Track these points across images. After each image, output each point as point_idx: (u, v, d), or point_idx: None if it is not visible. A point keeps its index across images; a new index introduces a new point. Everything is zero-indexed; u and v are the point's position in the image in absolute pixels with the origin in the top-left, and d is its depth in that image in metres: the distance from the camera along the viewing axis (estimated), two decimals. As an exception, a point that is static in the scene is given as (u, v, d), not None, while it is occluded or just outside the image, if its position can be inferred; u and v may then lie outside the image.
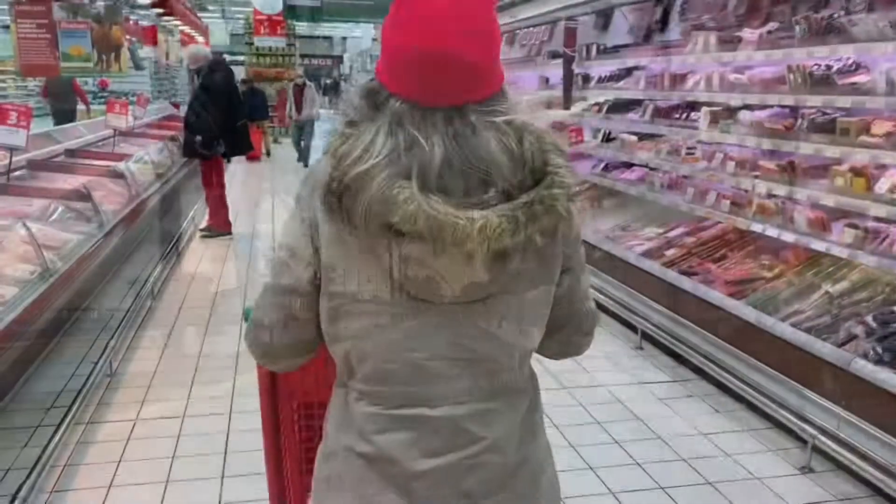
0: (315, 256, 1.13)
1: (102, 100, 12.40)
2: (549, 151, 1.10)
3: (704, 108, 4.51)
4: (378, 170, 1.03)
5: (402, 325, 1.11)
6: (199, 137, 6.67)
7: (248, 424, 3.33)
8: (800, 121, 3.76)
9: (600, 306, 4.48)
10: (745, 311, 3.65)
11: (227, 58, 10.81)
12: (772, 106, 4.17)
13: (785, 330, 3.41)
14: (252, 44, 19.15)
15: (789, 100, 3.78)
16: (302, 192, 1.17)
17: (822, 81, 3.61)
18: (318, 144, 16.12)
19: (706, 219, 4.61)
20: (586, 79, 6.30)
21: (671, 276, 4.28)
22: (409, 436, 1.14)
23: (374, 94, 1.11)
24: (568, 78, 6.36)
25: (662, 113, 5.15)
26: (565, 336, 1.27)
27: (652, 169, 5.17)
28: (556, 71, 7.12)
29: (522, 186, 1.06)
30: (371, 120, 1.09)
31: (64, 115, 11.31)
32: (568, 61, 6.31)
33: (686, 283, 4.13)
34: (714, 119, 4.43)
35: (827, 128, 3.57)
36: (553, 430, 3.30)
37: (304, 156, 13.45)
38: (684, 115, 4.88)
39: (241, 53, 24.01)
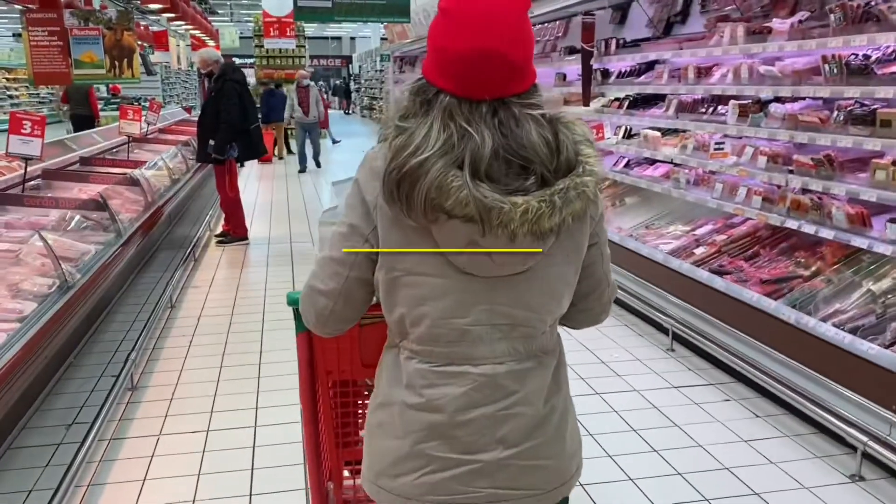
0: (374, 234, 1.30)
1: (115, 106, 12.38)
2: (580, 142, 1.25)
3: (732, 102, 4.39)
4: (433, 160, 1.18)
5: (451, 296, 1.28)
6: (211, 142, 6.59)
7: (273, 438, 3.26)
8: (836, 113, 3.63)
9: (626, 306, 4.37)
10: (783, 311, 3.52)
11: (237, 61, 10.71)
12: (803, 98, 4.04)
13: (827, 331, 3.29)
14: (261, 46, 19.11)
15: (824, 91, 3.65)
16: (360, 176, 1.32)
17: (859, 71, 3.48)
18: (332, 146, 15.96)
19: (735, 215, 4.48)
20: (605, 74, 6.18)
21: (702, 275, 4.16)
22: (453, 390, 1.31)
23: (423, 91, 1.27)
24: (586, 74, 6.23)
25: (687, 107, 5.02)
26: (588, 304, 1.44)
27: (676, 165, 5.05)
28: (573, 67, 7.00)
29: (557, 173, 1.22)
30: (423, 115, 1.24)
31: (83, 121, 11.30)
32: (586, 57, 6.19)
33: (718, 283, 4.01)
34: (743, 112, 4.31)
35: (866, 119, 3.43)
36: (589, 440, 3.19)
37: (304, 162, 12.52)
38: (710, 110, 4.75)
39: (251, 56, 24.05)
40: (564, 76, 7.11)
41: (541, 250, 1.26)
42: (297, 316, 1.60)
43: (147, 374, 3.99)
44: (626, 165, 5.87)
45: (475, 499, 1.33)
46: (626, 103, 5.83)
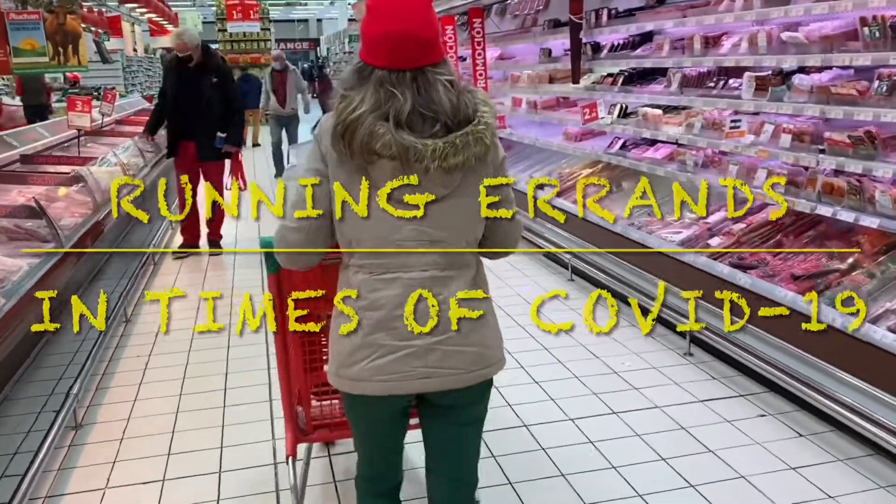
0: (326, 171, 1.68)
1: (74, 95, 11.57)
2: (479, 103, 1.66)
3: (748, 74, 3.92)
4: (366, 115, 1.59)
5: (384, 220, 1.63)
6: (221, 134, 5.90)
7: (241, 486, 2.76)
8: (877, 83, 3.18)
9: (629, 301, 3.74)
10: (822, 311, 3.08)
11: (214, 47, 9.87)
12: (830, 67, 3.59)
13: (876, 334, 2.86)
14: (225, 30, 18.39)
15: (864, 59, 3.19)
16: (317, 133, 1.71)
17: (906, 35, 3.03)
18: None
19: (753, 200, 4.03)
20: (596, 48, 5.68)
21: (721, 270, 3.71)
22: (390, 291, 1.66)
23: (360, 70, 1.66)
24: (575, 48, 5.74)
25: (692, 82, 4.55)
26: (500, 236, 1.78)
27: (681, 146, 4.58)
28: (558, 41, 6.51)
29: (460, 125, 1.61)
30: (360, 86, 1.64)
31: (36, 113, 10.55)
32: (574, 29, 5.69)
33: (742, 279, 3.56)
34: (761, 85, 3.84)
35: (916, 90, 2.99)
36: (611, 473, 2.74)
37: (281, 163, 10.05)
38: (721, 84, 4.28)
39: (215, 41, 23.21)
40: (549, 52, 6.62)
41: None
42: (270, 258, 2.06)
43: (95, 406, 3.47)
44: (623, 147, 5.39)
45: (411, 375, 1.66)
46: (621, 79, 5.35)
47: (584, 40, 5.71)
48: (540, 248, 5.81)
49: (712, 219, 4.32)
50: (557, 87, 6.39)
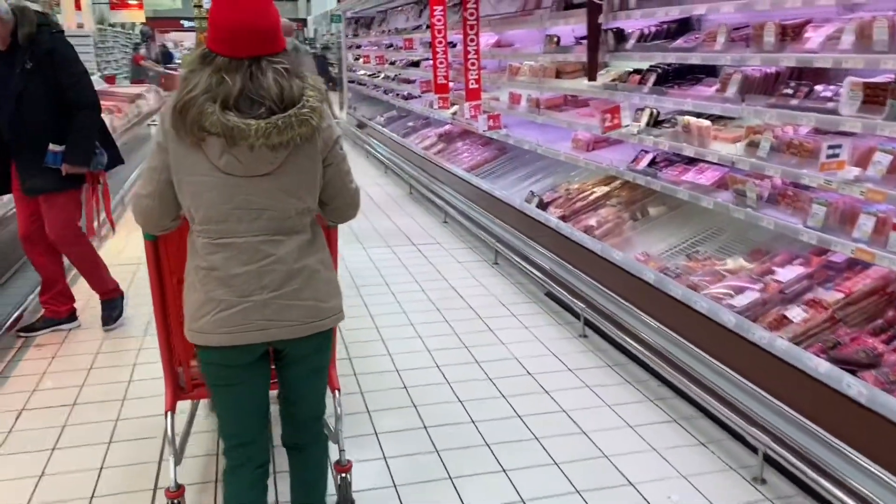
0: (168, 146, 1.86)
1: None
2: (307, 88, 1.86)
3: (851, 80, 2.77)
4: (199, 97, 1.78)
5: (217, 190, 1.84)
6: (55, 147, 3.79)
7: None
8: None
9: (676, 390, 2.73)
10: None
11: (186, 24, 8.60)
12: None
13: None
14: (201, 6, 17.15)
15: None
16: (161, 112, 1.92)
17: None
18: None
19: (848, 257, 2.89)
20: (620, 36, 4.50)
21: (815, 365, 2.57)
22: (227, 254, 1.88)
23: (204, 56, 1.84)
24: (593, 36, 4.55)
25: (758, 86, 3.39)
26: (336, 204, 2.04)
27: (736, 170, 3.43)
28: (567, 27, 5.32)
29: (286, 108, 1.81)
30: (201, 70, 1.83)
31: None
32: (593, 12, 4.50)
33: (854, 387, 2.41)
34: (872, 97, 2.69)
35: None
36: None
37: None
38: (803, 91, 3.12)
39: (191, 18, 21.91)
40: (557, 40, 5.42)
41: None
42: None
43: None
44: (653, 164, 4.23)
45: (251, 327, 1.88)
46: (653, 77, 4.18)
47: (604, 26, 4.53)
48: (545, 288, 4.66)
49: (784, 273, 3.18)
50: (567, 84, 5.20)
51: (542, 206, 5.00)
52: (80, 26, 9.58)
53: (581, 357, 3.80)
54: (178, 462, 2.43)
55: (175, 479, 2.38)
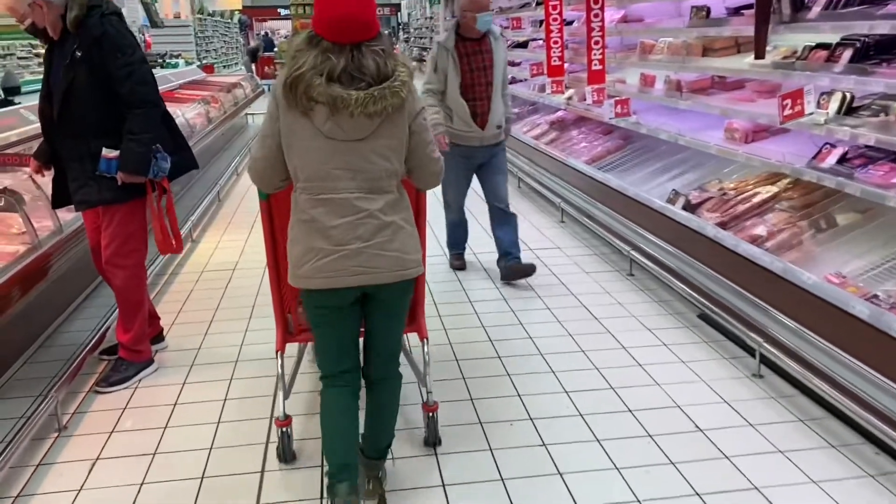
0: (278, 115, 2.17)
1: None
2: (398, 66, 2.15)
3: None
4: (308, 72, 2.08)
5: (320, 152, 2.15)
6: (108, 152, 3.25)
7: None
8: None
9: None
10: None
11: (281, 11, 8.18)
12: None
13: None
14: (301, -8, 16.90)
15: None
16: (273, 86, 2.26)
17: None
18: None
19: None
20: (799, 4, 3.65)
21: None
22: (326, 208, 2.17)
23: (311, 38, 2.13)
24: (763, 4, 3.73)
25: None
26: (419, 173, 2.32)
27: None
28: (717, -5, 4.51)
29: (381, 82, 2.10)
30: (308, 50, 2.11)
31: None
32: (762, -26, 3.68)
33: None
34: None
35: None
36: None
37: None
38: None
39: (287, 6, 21.84)
40: (707, 11, 4.61)
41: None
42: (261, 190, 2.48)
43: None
44: (843, 160, 3.39)
45: (345, 272, 2.17)
46: (848, 53, 3.33)
47: (776, -8, 3.69)
48: (699, 309, 3.90)
49: None
50: (720, 63, 4.38)
51: (690, 207, 4.21)
52: (177, 16, 9.32)
53: (759, 407, 3.03)
54: (286, 396, 2.80)
55: (284, 411, 2.71)
